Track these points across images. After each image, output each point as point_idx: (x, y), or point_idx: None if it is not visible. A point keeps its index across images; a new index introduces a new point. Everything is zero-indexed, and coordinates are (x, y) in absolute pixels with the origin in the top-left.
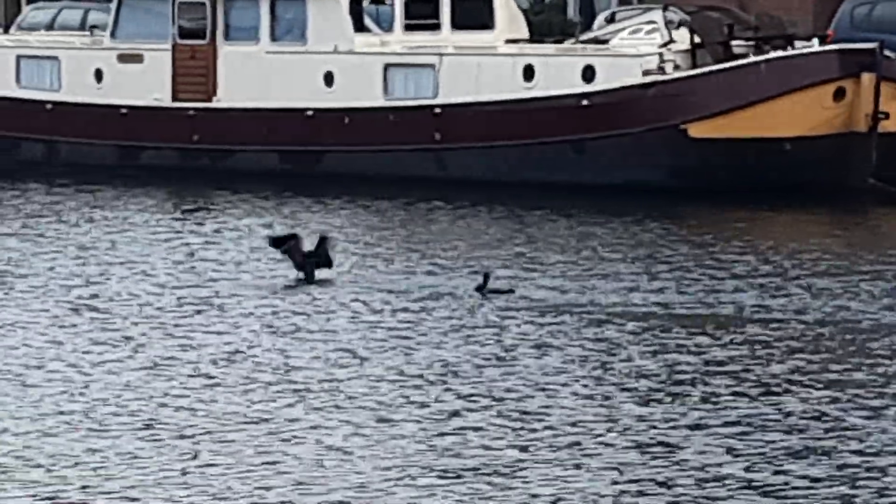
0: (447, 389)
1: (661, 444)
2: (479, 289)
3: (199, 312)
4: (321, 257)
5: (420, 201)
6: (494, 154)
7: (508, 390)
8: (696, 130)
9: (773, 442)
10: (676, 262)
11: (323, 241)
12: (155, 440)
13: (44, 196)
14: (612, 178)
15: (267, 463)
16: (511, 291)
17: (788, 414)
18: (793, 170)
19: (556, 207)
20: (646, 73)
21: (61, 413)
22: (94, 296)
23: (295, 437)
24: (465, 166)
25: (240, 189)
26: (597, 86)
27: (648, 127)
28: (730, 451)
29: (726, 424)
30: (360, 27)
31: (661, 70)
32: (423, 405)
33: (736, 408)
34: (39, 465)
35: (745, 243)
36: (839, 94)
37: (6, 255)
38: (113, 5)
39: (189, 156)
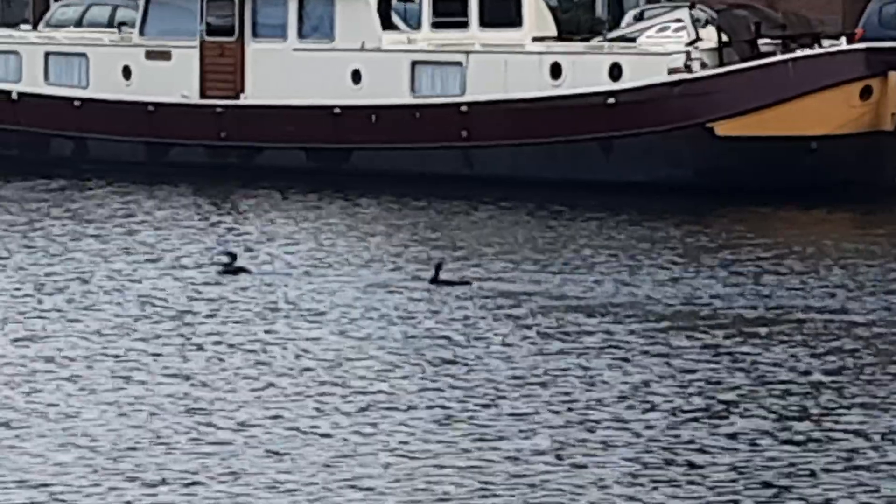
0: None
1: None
2: (433, 280)
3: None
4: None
5: (446, 199)
6: (521, 152)
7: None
8: (723, 129)
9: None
10: (704, 262)
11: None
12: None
13: (73, 193)
14: (638, 176)
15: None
16: (467, 283)
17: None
18: (819, 169)
19: (582, 206)
20: (672, 71)
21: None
22: (149, 296)
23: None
24: (491, 164)
25: (266, 186)
26: (624, 84)
27: (675, 125)
28: (792, 463)
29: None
30: (387, 25)
31: (688, 68)
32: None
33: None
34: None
35: (772, 242)
36: (866, 93)
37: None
38: (141, 2)
39: (216, 153)
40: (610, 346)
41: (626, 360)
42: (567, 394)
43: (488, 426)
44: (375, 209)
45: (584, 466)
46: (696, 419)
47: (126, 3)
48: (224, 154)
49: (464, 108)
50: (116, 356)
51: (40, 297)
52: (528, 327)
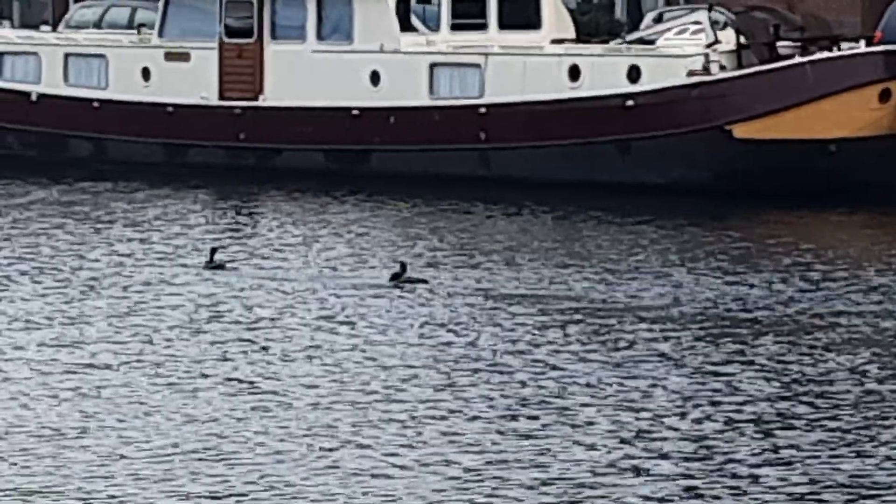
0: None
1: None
2: (395, 277)
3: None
4: None
5: (464, 200)
6: (539, 154)
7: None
8: (741, 131)
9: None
10: (722, 264)
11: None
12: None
13: (90, 194)
14: (656, 178)
15: None
16: (425, 281)
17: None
18: (838, 171)
19: (600, 207)
20: (691, 73)
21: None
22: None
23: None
24: (509, 166)
25: (285, 187)
26: (642, 86)
27: (693, 127)
28: (854, 476)
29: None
30: (406, 26)
31: (707, 70)
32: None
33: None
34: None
35: (790, 244)
36: (885, 96)
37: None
38: (160, 4)
39: (235, 154)
40: (643, 350)
41: (661, 365)
42: (605, 401)
43: (550, 435)
44: (393, 209)
45: (633, 475)
46: (741, 431)
47: (145, 5)
48: (242, 155)
49: (482, 110)
50: (158, 363)
51: (78, 301)
52: (557, 332)
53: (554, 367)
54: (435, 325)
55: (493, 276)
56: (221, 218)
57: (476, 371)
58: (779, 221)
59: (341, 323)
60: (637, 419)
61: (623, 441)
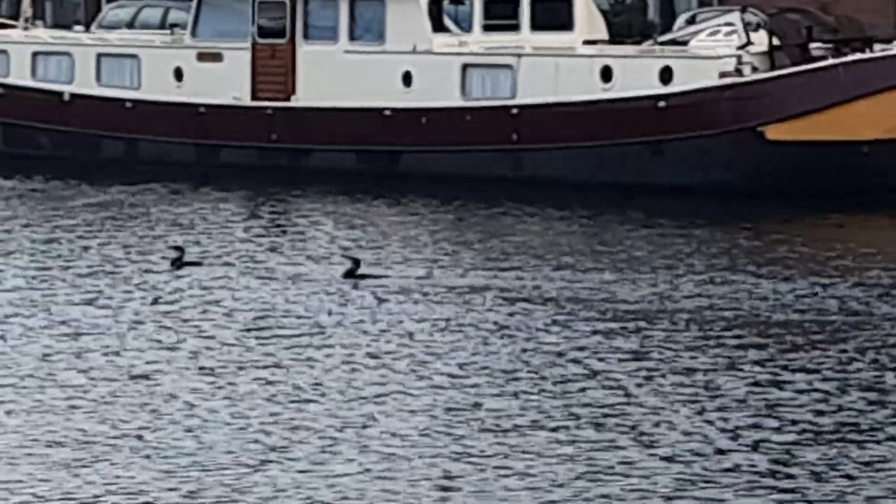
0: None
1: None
2: (348, 274)
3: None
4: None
5: (495, 201)
6: (571, 155)
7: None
8: (774, 133)
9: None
10: (756, 267)
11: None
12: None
13: (125, 195)
14: (688, 179)
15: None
16: (384, 277)
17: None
18: (871, 173)
19: (632, 209)
20: (723, 74)
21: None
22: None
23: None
24: (541, 167)
25: (317, 188)
26: (674, 87)
27: (725, 129)
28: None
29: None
30: (439, 27)
31: (739, 72)
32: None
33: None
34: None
35: (823, 246)
36: None
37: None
38: (193, 4)
39: (267, 155)
40: (676, 355)
41: (693, 370)
42: (641, 405)
43: (599, 440)
44: (423, 211)
45: (653, 480)
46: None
47: (178, 5)
48: (274, 156)
49: (514, 111)
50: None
51: (115, 304)
52: (593, 334)
53: (597, 373)
54: (469, 327)
55: (524, 278)
56: (253, 218)
57: (518, 377)
58: (812, 223)
59: (383, 326)
60: (699, 428)
61: (690, 453)
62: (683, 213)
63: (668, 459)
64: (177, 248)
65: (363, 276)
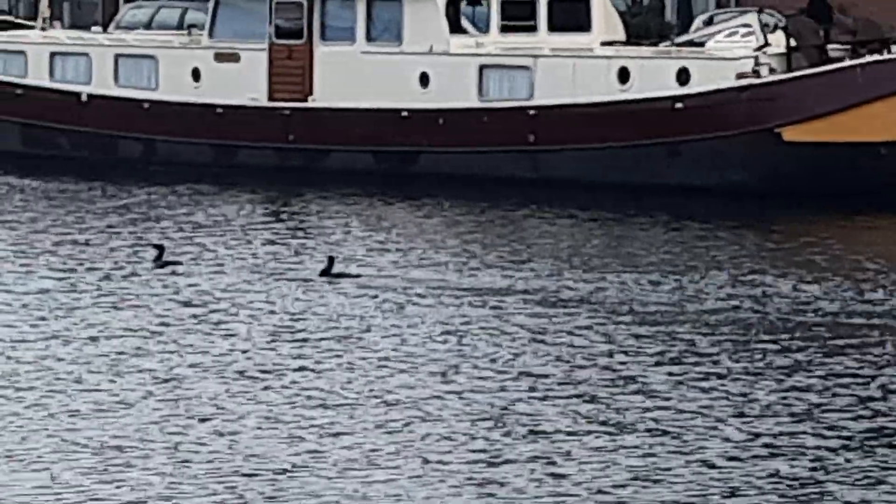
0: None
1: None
2: (324, 273)
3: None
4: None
5: (513, 202)
6: (588, 156)
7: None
8: (791, 134)
9: None
10: (775, 268)
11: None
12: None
13: (143, 196)
14: (705, 180)
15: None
16: (358, 276)
17: None
18: (888, 174)
19: (649, 210)
20: (740, 76)
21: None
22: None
23: None
24: (559, 168)
25: (334, 189)
26: (691, 88)
27: (742, 130)
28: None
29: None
30: (456, 28)
31: (756, 73)
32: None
33: None
34: None
35: (842, 248)
36: None
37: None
38: (210, 5)
39: (284, 155)
40: (708, 358)
41: (727, 374)
42: (666, 407)
43: (627, 446)
44: (440, 212)
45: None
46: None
47: (195, 6)
48: (292, 156)
49: (531, 112)
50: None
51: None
52: (623, 338)
53: (630, 378)
54: (496, 330)
55: (548, 279)
56: (270, 219)
57: (550, 381)
58: (830, 225)
59: (411, 328)
60: (736, 433)
61: (727, 458)
62: (703, 214)
63: (707, 464)
64: (157, 245)
65: (339, 275)
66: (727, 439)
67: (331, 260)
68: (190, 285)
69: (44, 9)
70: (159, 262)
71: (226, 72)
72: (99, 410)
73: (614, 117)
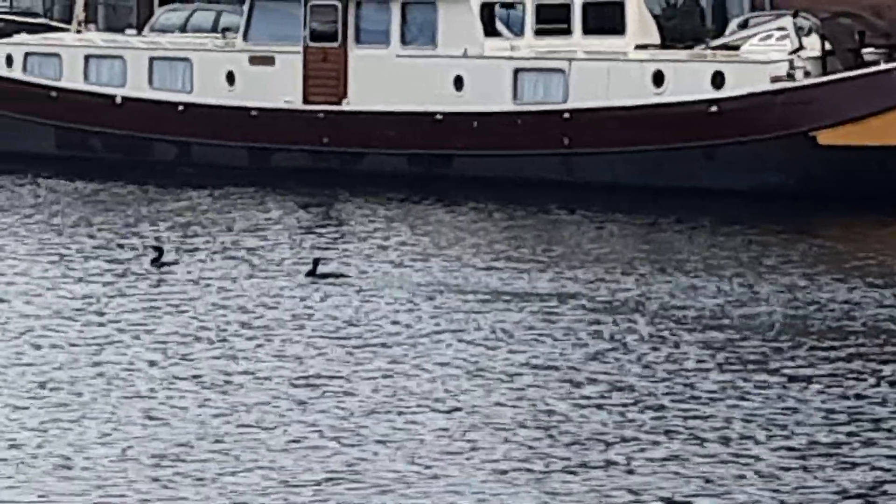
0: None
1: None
2: (310, 273)
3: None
4: None
5: (546, 206)
6: (623, 159)
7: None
8: (825, 137)
9: None
10: (811, 271)
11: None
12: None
13: (177, 198)
14: (739, 184)
15: None
16: (344, 276)
17: None
18: None
19: (684, 213)
20: (775, 79)
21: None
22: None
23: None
24: (593, 171)
25: (368, 192)
26: (726, 92)
27: (777, 134)
28: None
29: None
30: (490, 31)
31: (791, 77)
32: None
33: None
34: None
35: (883, 252)
36: None
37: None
38: (245, 8)
39: (319, 158)
40: (765, 365)
41: (784, 380)
42: (701, 413)
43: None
44: (475, 215)
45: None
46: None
47: (230, 9)
48: (326, 159)
49: (566, 115)
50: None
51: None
52: (672, 343)
53: (683, 384)
54: (544, 334)
55: (585, 283)
56: (306, 222)
57: (600, 386)
58: (865, 229)
59: (457, 333)
60: (796, 443)
61: (784, 470)
62: (735, 217)
63: (761, 474)
64: (156, 247)
65: (324, 276)
66: (782, 448)
67: (315, 262)
68: (230, 290)
69: (79, 11)
70: (157, 262)
71: (260, 75)
72: (150, 418)
73: (648, 121)
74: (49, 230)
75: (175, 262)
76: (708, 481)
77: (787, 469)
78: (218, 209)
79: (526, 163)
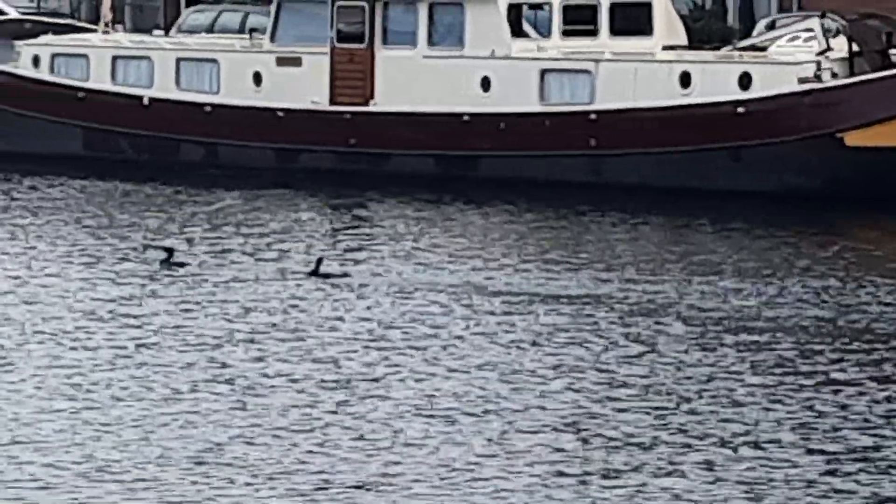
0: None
1: None
2: (313, 273)
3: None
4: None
5: (573, 207)
6: (650, 161)
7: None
8: (853, 139)
9: None
10: (839, 272)
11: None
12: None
13: (205, 199)
14: (767, 185)
15: None
16: (346, 275)
17: None
18: None
19: (711, 214)
20: (802, 80)
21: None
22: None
23: None
24: (620, 172)
25: (395, 193)
26: (753, 93)
27: (804, 135)
28: None
29: None
30: (517, 32)
31: (818, 78)
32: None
33: None
34: None
35: None
36: None
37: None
38: (272, 9)
39: (346, 159)
40: (786, 367)
41: (809, 385)
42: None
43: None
44: (502, 216)
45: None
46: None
47: (257, 10)
48: (353, 160)
49: (593, 117)
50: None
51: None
52: (677, 341)
53: (716, 388)
54: (580, 337)
55: (617, 284)
56: (335, 223)
57: (640, 391)
58: (890, 229)
59: (498, 336)
60: (837, 451)
61: (828, 474)
62: (762, 219)
63: (797, 480)
64: (166, 248)
65: (326, 276)
66: (818, 452)
67: (318, 261)
68: (261, 291)
69: (106, 12)
70: (166, 263)
71: (287, 75)
72: (183, 421)
73: (676, 122)
74: (79, 231)
75: (185, 264)
76: (741, 484)
77: (824, 474)
78: (246, 210)
79: (552, 164)
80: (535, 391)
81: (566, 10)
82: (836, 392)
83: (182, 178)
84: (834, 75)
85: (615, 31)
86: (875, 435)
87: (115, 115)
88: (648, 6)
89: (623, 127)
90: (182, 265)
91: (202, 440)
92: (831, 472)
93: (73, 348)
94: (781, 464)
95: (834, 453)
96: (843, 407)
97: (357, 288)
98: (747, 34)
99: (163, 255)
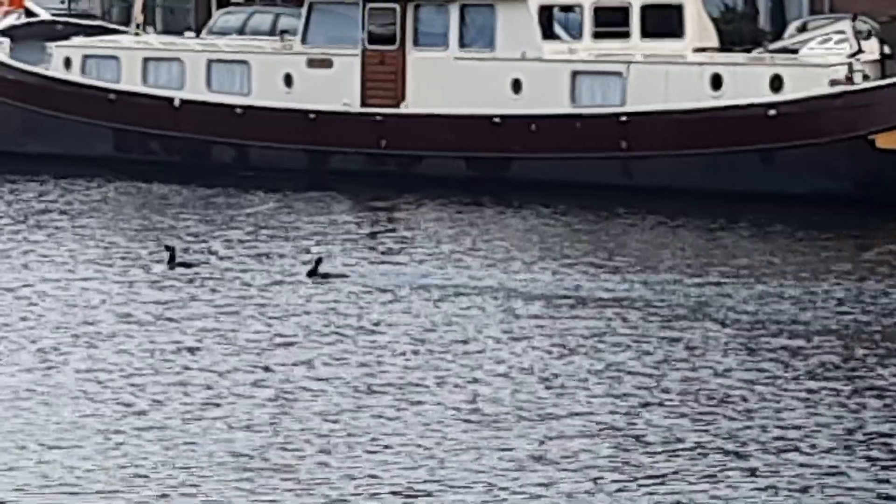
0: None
1: None
2: (311, 273)
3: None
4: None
5: (604, 209)
6: (681, 163)
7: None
8: (884, 141)
9: None
10: (872, 275)
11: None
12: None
13: (237, 199)
14: (798, 188)
15: None
16: (345, 276)
17: None
18: None
19: (742, 217)
20: (833, 83)
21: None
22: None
23: None
24: (651, 175)
25: (426, 195)
26: (784, 95)
27: (836, 137)
28: None
29: None
30: (549, 34)
31: (850, 80)
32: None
33: None
34: None
35: None
36: None
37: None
38: (303, 11)
39: (377, 161)
40: (812, 371)
41: (841, 391)
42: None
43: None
44: (540, 218)
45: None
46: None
47: (288, 12)
48: (384, 162)
49: (624, 119)
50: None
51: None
52: (718, 345)
53: (757, 393)
54: (619, 340)
55: (646, 286)
56: (368, 225)
57: (670, 395)
58: None
59: (514, 338)
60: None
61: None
62: (794, 221)
63: (843, 486)
64: (168, 247)
65: (325, 276)
66: (865, 458)
67: (318, 261)
68: (301, 294)
69: (137, 14)
70: (172, 263)
71: (318, 77)
72: (224, 425)
73: (707, 124)
74: (115, 234)
75: (192, 264)
76: (784, 490)
77: (868, 480)
78: (280, 212)
79: (583, 166)
80: (574, 395)
81: (597, 11)
82: (878, 396)
83: (214, 179)
84: (865, 77)
85: (646, 33)
86: None
87: (146, 117)
88: (679, 8)
89: (654, 129)
90: (188, 265)
91: (244, 444)
92: (876, 479)
93: (112, 351)
94: (825, 469)
95: (877, 459)
96: (886, 411)
97: (395, 291)
98: (778, 36)
99: (167, 254)
